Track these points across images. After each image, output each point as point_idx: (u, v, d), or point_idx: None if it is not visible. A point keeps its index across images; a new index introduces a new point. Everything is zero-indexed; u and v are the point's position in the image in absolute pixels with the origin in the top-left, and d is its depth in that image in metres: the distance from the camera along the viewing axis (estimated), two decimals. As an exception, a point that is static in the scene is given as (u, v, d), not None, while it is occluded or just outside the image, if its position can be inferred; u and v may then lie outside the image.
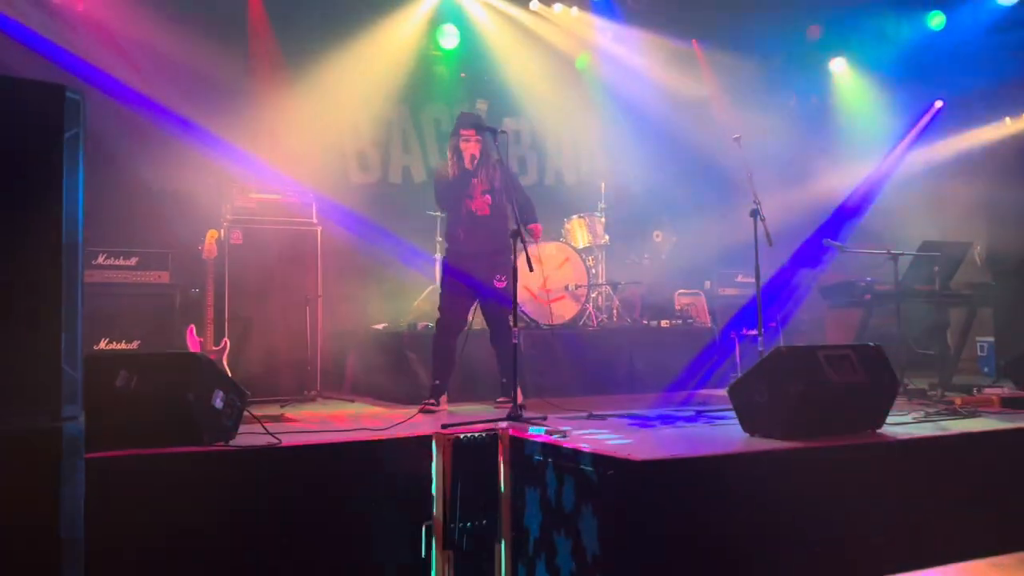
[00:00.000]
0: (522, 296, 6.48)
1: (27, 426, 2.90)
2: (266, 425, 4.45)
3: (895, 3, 9.08)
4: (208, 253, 6.19)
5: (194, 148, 6.76)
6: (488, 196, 5.85)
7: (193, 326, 6.13)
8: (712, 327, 7.91)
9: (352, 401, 6.55)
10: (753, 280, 8.47)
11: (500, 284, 5.84)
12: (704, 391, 7.03)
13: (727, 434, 4.36)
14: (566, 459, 3.99)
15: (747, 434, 4.33)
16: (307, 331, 6.64)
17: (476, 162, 5.84)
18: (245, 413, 4.40)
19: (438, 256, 7.46)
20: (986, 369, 8.28)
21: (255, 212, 6.62)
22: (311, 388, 6.61)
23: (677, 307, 8.24)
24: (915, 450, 4.12)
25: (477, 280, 5.88)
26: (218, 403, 4.19)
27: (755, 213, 5.48)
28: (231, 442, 4.18)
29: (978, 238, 7.32)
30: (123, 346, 6.23)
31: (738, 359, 7.78)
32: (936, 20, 9.09)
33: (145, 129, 6.68)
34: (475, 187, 5.85)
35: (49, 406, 2.95)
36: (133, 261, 6.43)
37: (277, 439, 4.21)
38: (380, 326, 7.25)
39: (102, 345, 6.14)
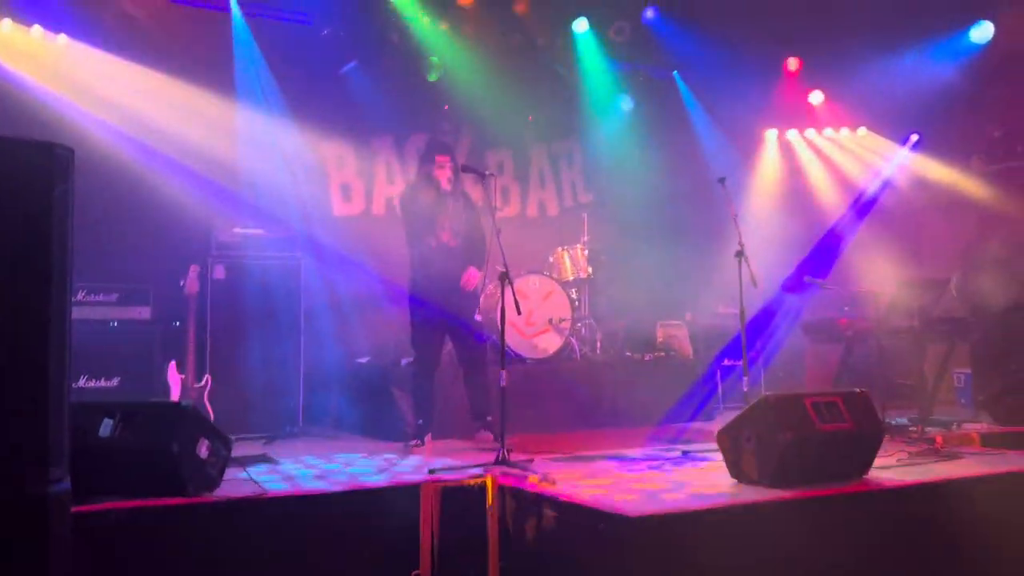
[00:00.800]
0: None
1: (13, 491, 2.85)
2: (250, 470, 4.42)
3: (872, 36, 9.20)
4: (190, 288, 6.15)
5: (177, 182, 6.70)
6: (459, 227, 5.81)
7: (175, 362, 6.07)
8: (694, 360, 7.94)
9: (336, 438, 6.49)
10: (735, 311, 8.64)
11: (479, 318, 5.81)
12: (689, 425, 7.05)
13: (715, 481, 4.36)
14: (556, 509, 3.98)
15: (735, 480, 4.34)
16: (290, 366, 6.60)
17: (451, 189, 5.77)
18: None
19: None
20: (963, 400, 8.36)
21: (238, 246, 6.58)
22: (294, 424, 6.55)
23: (659, 339, 8.26)
24: (903, 498, 4.15)
25: (450, 314, 5.83)
26: (203, 452, 4.13)
27: (740, 254, 5.50)
28: (216, 492, 4.13)
29: (954, 271, 7.40)
30: (103, 383, 6.14)
31: (720, 393, 7.84)
32: (911, 55, 9.22)
33: (126, 163, 6.62)
34: (447, 216, 5.78)
35: (36, 469, 2.91)
36: (114, 296, 6.36)
37: (263, 488, 4.16)
38: (363, 360, 7.20)
39: (82, 383, 6.06)
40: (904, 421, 6.65)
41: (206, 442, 4.16)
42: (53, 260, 2.93)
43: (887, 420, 6.05)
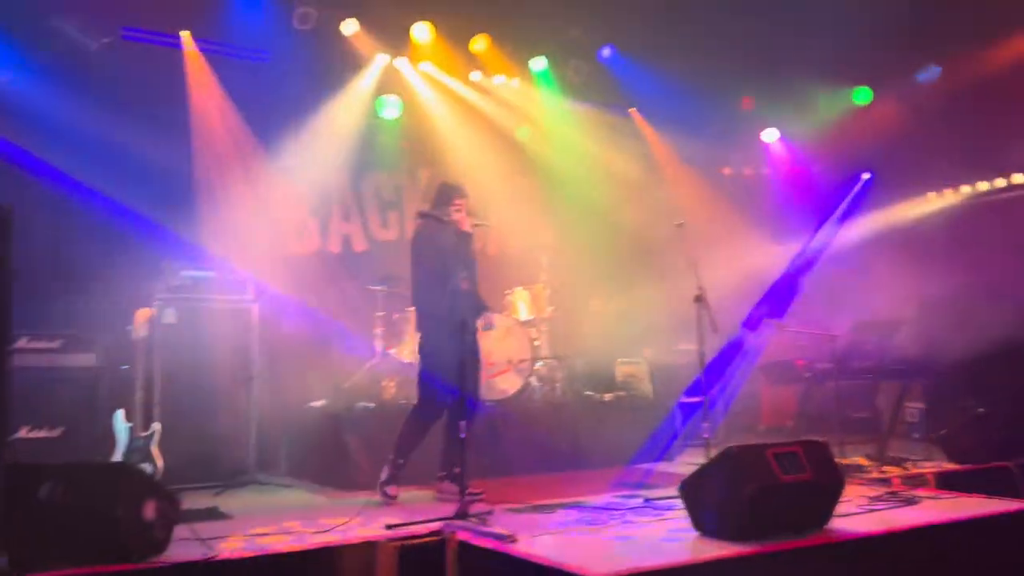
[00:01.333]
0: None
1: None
2: (200, 529, 4.26)
3: (823, 76, 9.38)
4: (138, 333, 5.96)
5: (125, 227, 6.52)
6: (473, 272, 5.75)
7: (122, 411, 5.86)
8: (654, 399, 7.92)
9: (289, 487, 6.33)
10: (692, 348, 8.67)
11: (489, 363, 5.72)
12: (651, 467, 7.00)
13: (678, 534, 4.31)
14: (518, 569, 3.89)
15: (698, 532, 4.29)
16: (242, 412, 6.43)
17: (469, 232, 5.74)
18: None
19: (378, 331, 7.31)
20: (916, 435, 8.47)
21: (189, 290, 6.43)
22: (245, 472, 6.37)
23: (619, 377, 8.23)
24: (866, 549, 4.14)
25: (465, 363, 5.48)
26: (149, 514, 3.96)
27: (699, 299, 5.50)
28: (164, 556, 3.96)
29: (908, 312, 7.52)
30: (46, 434, 5.90)
31: (680, 431, 7.82)
32: (863, 95, 9.42)
33: (72, 207, 6.43)
34: (462, 260, 5.69)
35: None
36: (57, 343, 6.12)
37: (212, 551, 4.00)
38: (317, 403, 7.04)
39: (23, 434, 5.80)
40: (860, 460, 6.70)
41: (153, 503, 3.99)
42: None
43: (844, 456, 6.09)
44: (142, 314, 6.00)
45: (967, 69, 8.42)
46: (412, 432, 5.68)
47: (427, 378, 5.69)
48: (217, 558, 3.95)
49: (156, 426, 5.91)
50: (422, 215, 5.58)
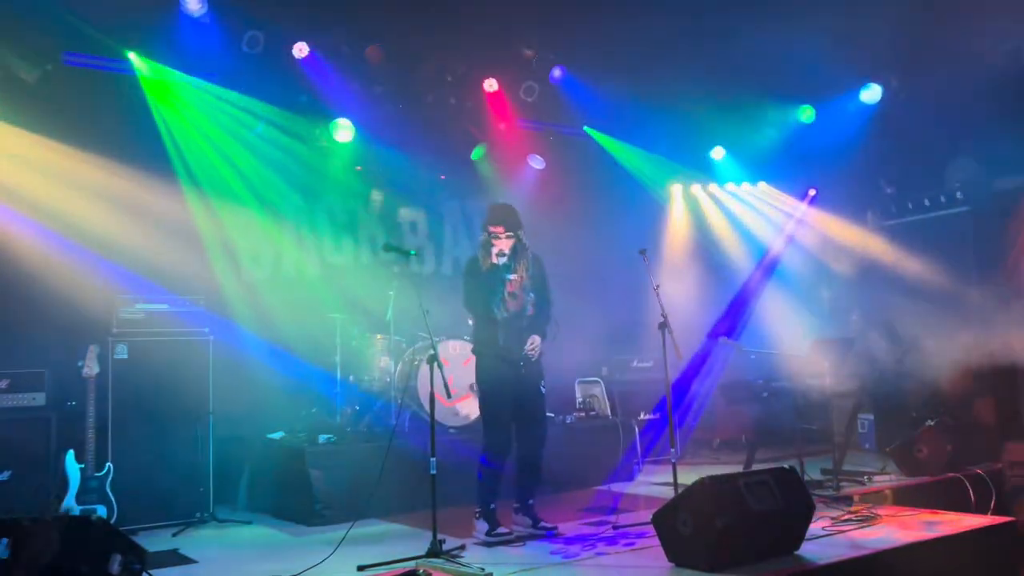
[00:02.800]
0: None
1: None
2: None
3: (769, 95, 9.57)
4: (89, 370, 5.77)
5: (73, 261, 6.31)
6: (521, 295, 5.45)
7: (72, 451, 5.67)
8: (614, 419, 7.97)
9: (249, 523, 6.19)
10: (648, 365, 8.77)
11: (544, 389, 5.56)
12: (612, 488, 7.04)
13: (653, 567, 4.34)
14: (497, 610, 3.86)
15: (672, 564, 4.33)
16: (198, 449, 6.28)
17: (505, 258, 5.40)
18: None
19: (338, 358, 7.19)
20: (867, 445, 8.69)
21: (142, 324, 6.26)
22: (204, 509, 6.22)
23: (579, 396, 8.26)
24: (837, 573, 4.22)
25: (518, 386, 5.42)
26: (115, 569, 3.84)
27: (663, 326, 5.54)
28: (130, 611, 3.83)
29: (854, 329, 7.72)
30: (-9, 478, 5.66)
31: (639, 449, 7.90)
32: (807, 113, 9.63)
33: (17, 243, 6.20)
34: (508, 282, 5.41)
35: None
36: (4, 383, 5.90)
37: (183, 605, 3.89)
38: (276, 435, 6.90)
39: (-33, 479, 5.57)
40: (818, 475, 6.84)
41: (119, 557, 3.88)
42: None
43: (801, 469, 6.19)
44: (93, 350, 5.82)
45: (909, 88, 8.67)
46: (492, 474, 5.39)
47: (485, 414, 5.54)
48: (187, 612, 3.85)
49: (109, 466, 5.74)
50: (406, 255, 5.45)
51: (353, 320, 7.37)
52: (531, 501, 5.46)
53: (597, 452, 7.46)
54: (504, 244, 5.44)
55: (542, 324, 5.57)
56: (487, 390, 5.48)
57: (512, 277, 5.42)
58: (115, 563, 3.84)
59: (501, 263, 5.40)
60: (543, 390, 5.59)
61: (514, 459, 5.50)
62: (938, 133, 8.56)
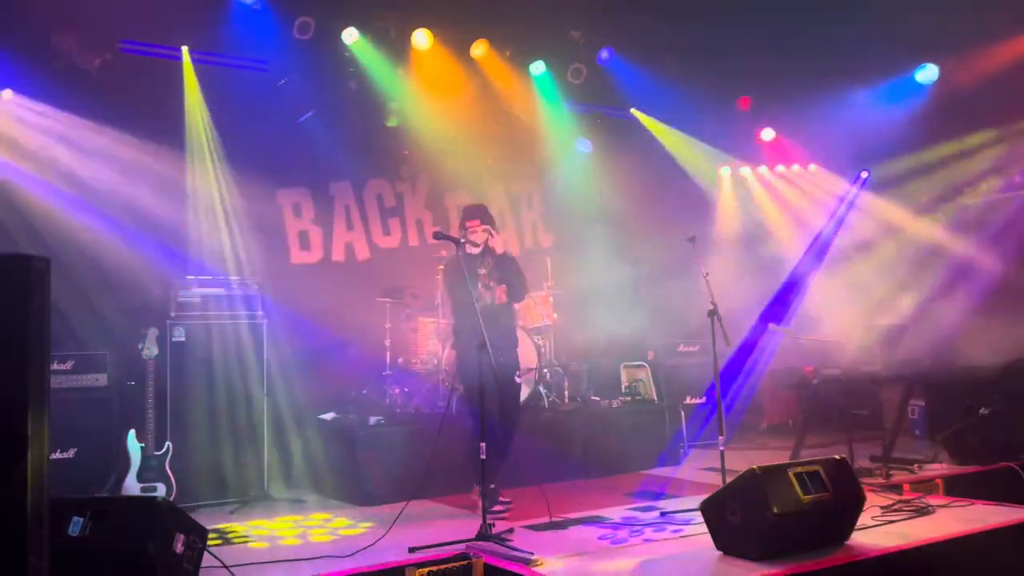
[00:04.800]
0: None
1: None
2: (225, 557, 4.27)
3: (822, 75, 9.40)
4: (149, 352, 5.95)
5: (133, 246, 6.50)
6: (494, 286, 5.85)
7: (133, 430, 5.86)
8: (660, 403, 7.98)
9: (302, 502, 6.34)
10: (694, 350, 8.74)
11: (519, 379, 5.86)
12: (660, 473, 7.06)
13: (702, 555, 4.37)
14: (547, 595, 3.93)
15: (720, 552, 4.35)
16: (253, 428, 6.44)
17: (480, 250, 5.81)
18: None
19: (387, 342, 7.32)
20: (918, 432, 8.58)
21: (199, 307, 6.42)
22: (259, 487, 6.39)
23: (624, 381, 8.28)
24: (887, 566, 4.21)
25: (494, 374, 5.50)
26: (178, 548, 3.98)
27: (713, 313, 5.53)
28: (194, 589, 3.98)
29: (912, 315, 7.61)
30: (59, 455, 5.87)
31: (685, 434, 7.90)
32: (862, 94, 9.44)
33: (81, 228, 6.39)
34: (483, 277, 5.81)
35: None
36: (68, 365, 6.11)
37: (243, 583, 4.03)
38: (328, 416, 7.04)
39: (36, 457, 5.77)
40: (867, 462, 6.79)
41: (181, 536, 4.01)
42: (30, 386, 2.78)
43: (850, 456, 6.15)
44: (152, 333, 5.99)
45: (966, 69, 8.45)
46: (474, 452, 5.49)
47: (468, 397, 5.84)
48: (247, 589, 3.98)
49: (169, 445, 5.92)
50: (456, 243, 5.59)
51: (401, 304, 7.47)
52: (493, 485, 5.63)
53: (643, 437, 7.48)
54: (479, 237, 5.83)
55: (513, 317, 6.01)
56: (471, 378, 5.62)
57: (482, 271, 5.82)
58: (178, 542, 3.97)
59: (475, 253, 5.81)
60: (518, 380, 5.98)
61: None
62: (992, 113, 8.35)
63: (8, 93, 6.50)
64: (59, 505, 4.08)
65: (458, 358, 5.91)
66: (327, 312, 7.48)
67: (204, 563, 4.14)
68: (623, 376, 8.35)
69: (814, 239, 9.51)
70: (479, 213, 5.99)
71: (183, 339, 6.30)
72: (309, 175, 8.02)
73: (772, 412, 8.98)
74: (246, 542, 5.08)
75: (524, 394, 7.22)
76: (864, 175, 9.63)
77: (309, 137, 7.84)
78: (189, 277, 6.48)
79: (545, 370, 7.64)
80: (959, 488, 6.06)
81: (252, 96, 7.51)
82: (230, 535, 5.25)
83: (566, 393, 7.77)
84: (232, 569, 4.15)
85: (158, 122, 6.97)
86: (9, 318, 2.80)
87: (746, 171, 10.14)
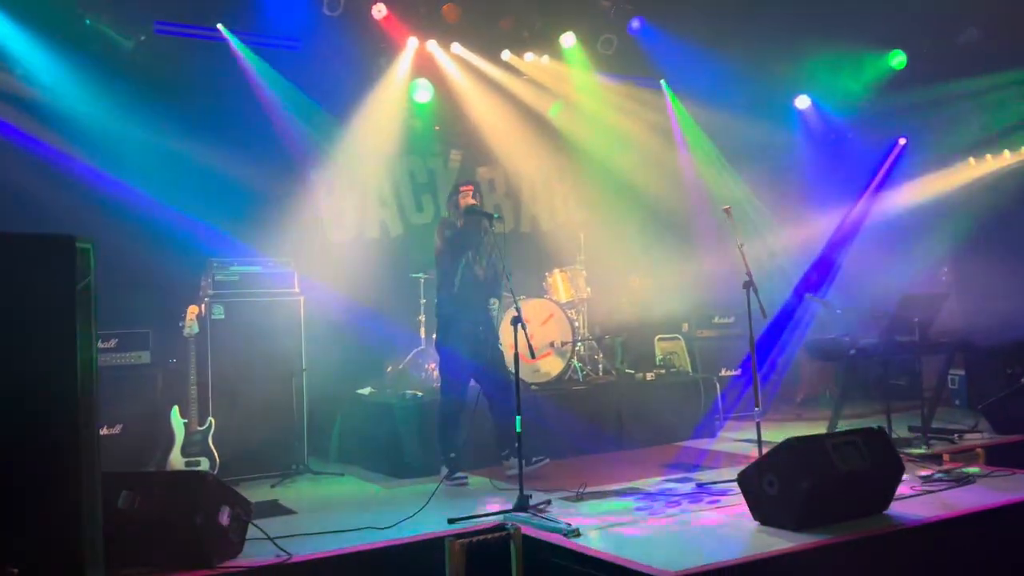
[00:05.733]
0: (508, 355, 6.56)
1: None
2: (268, 529, 4.37)
3: (857, 41, 9.22)
4: (189, 330, 6.05)
5: (171, 224, 6.60)
6: (484, 259, 5.97)
7: (177, 406, 5.98)
8: (695, 375, 7.97)
9: (342, 475, 6.44)
10: (729, 321, 8.70)
11: (501, 346, 5.93)
12: (696, 445, 7.08)
13: (739, 524, 4.38)
14: (586, 565, 3.98)
15: (758, 523, 4.36)
16: (292, 404, 6.54)
17: (474, 209, 5.88)
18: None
19: (422, 318, 7.38)
20: (958, 402, 8.50)
21: (237, 285, 6.50)
22: (299, 462, 6.50)
23: (659, 354, 8.28)
24: (927, 536, 4.20)
25: (479, 342, 5.90)
26: (224, 520, 4.08)
27: (748, 284, 5.50)
28: (239, 559, 4.08)
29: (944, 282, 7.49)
30: (105, 431, 6.01)
31: (720, 405, 7.89)
32: (897, 59, 9.25)
33: (120, 209, 6.50)
34: (474, 247, 5.92)
35: (74, 572, 2.85)
36: (112, 343, 6.25)
37: (288, 553, 4.12)
38: (364, 391, 7.14)
39: (83, 433, 5.94)
40: (906, 432, 6.74)
41: (227, 509, 4.11)
42: (80, 364, 2.86)
43: (888, 426, 6.12)
44: (192, 311, 6.09)
45: (1008, 32, 8.23)
46: (447, 421, 5.90)
47: (441, 364, 6.04)
48: (292, 560, 4.07)
49: (211, 420, 6.04)
50: (490, 219, 5.66)
51: (434, 279, 7.50)
52: (506, 451, 5.92)
53: (678, 409, 7.48)
54: (470, 200, 5.91)
55: (498, 289, 6.10)
56: (441, 351, 5.97)
57: (481, 232, 5.90)
58: (224, 515, 4.08)
59: (470, 218, 5.86)
60: (500, 347, 6.11)
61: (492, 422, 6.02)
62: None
63: (47, 75, 6.60)
64: (108, 479, 4.20)
65: (439, 333, 6.12)
66: (361, 289, 7.56)
67: (248, 535, 4.25)
68: (657, 349, 8.36)
69: (851, 208, 9.38)
70: (474, 180, 6.20)
71: (222, 317, 6.39)
72: (341, 153, 8.04)
73: (808, 384, 8.93)
74: (289, 514, 5.18)
75: (558, 368, 7.27)
76: (902, 142, 9.46)
77: (342, 114, 7.88)
78: (227, 257, 6.56)
79: (579, 344, 7.66)
80: (1001, 458, 5.99)
81: (285, 75, 7.56)
82: (273, 507, 5.35)
83: (600, 367, 7.79)
84: (276, 541, 4.23)
85: (195, 101, 7.03)
86: (58, 298, 2.88)
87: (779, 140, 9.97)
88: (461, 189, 6.03)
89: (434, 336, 6.38)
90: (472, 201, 5.89)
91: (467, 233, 5.91)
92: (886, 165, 9.44)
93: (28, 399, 2.81)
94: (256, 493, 5.68)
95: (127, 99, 6.71)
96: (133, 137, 6.68)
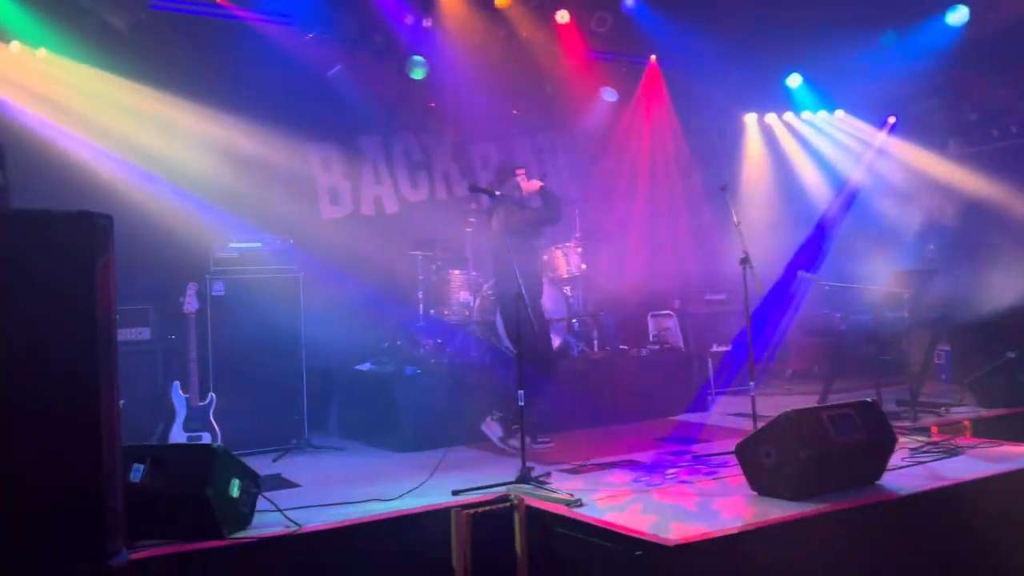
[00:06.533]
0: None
1: (76, 567, 2.86)
2: (277, 501, 4.46)
3: (849, 19, 9.27)
4: (190, 306, 6.10)
5: (166, 199, 6.61)
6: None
7: (178, 382, 6.04)
8: (687, 351, 8.09)
9: (342, 449, 6.53)
10: (721, 298, 8.81)
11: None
12: (690, 419, 7.21)
13: (736, 494, 4.51)
14: (588, 533, 4.08)
15: (755, 493, 4.48)
16: (292, 379, 6.60)
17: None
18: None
19: (420, 294, 7.44)
20: (944, 376, 8.65)
21: (236, 262, 6.54)
22: (300, 436, 6.57)
23: (652, 330, 8.39)
24: (919, 505, 4.33)
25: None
26: (235, 492, 4.16)
27: (745, 261, 5.59)
28: (250, 531, 4.16)
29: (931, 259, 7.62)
30: (107, 407, 6.06)
31: (713, 380, 8.03)
32: (889, 38, 9.30)
33: (117, 185, 6.51)
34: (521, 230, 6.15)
35: (94, 543, 2.92)
36: (113, 318, 6.27)
37: (297, 525, 4.20)
38: (364, 367, 7.21)
39: (86, 408, 5.98)
40: (893, 406, 6.88)
41: (237, 482, 4.19)
42: (99, 336, 2.92)
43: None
44: (192, 288, 6.13)
45: (998, 12, 8.31)
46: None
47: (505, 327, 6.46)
48: (302, 531, 4.15)
49: (212, 395, 6.10)
50: (491, 195, 5.73)
51: (433, 256, 7.57)
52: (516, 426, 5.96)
53: (672, 384, 7.61)
54: (531, 185, 6.17)
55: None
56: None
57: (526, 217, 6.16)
58: (234, 487, 4.15)
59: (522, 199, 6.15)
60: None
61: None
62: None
63: (42, 52, 6.57)
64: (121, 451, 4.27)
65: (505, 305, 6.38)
66: (359, 266, 7.60)
67: (258, 507, 4.33)
68: (651, 325, 8.46)
69: (841, 186, 9.49)
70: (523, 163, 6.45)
71: (222, 293, 6.43)
72: (337, 130, 8.08)
73: (798, 359, 9.08)
74: (294, 487, 5.26)
75: (554, 344, 7.35)
76: (892, 120, 9.56)
77: (336, 92, 7.89)
78: (226, 233, 6.59)
79: (574, 320, 7.75)
80: (986, 430, 6.15)
81: (278, 51, 7.53)
82: (278, 481, 5.43)
83: (595, 342, 7.88)
84: (285, 512, 4.32)
85: (190, 79, 7.02)
86: (78, 274, 2.93)
87: (772, 118, 10.07)
88: (518, 172, 6.28)
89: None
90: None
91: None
92: (876, 143, 9.53)
93: (51, 374, 2.86)
94: (258, 467, 5.64)
95: (124, 74, 6.69)
96: (133, 113, 6.66)
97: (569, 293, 7.77)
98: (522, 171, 6.25)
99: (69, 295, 2.90)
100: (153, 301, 6.50)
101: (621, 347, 8.01)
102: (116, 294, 3.06)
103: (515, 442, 5.63)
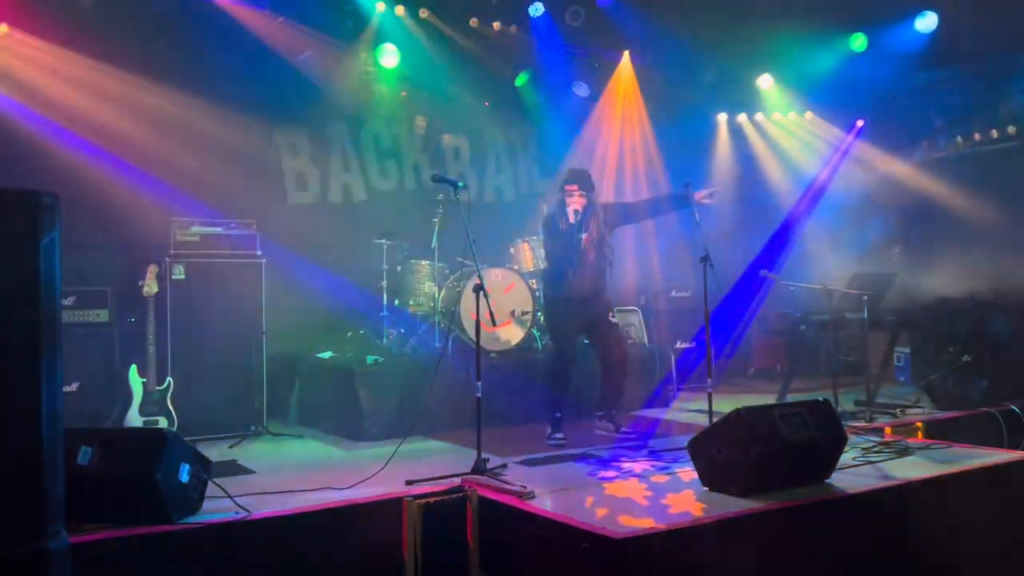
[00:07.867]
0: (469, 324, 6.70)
1: (11, 547, 2.83)
2: (228, 486, 4.42)
3: (819, 22, 9.35)
4: (149, 289, 6.03)
5: (132, 183, 6.53)
6: (592, 250, 6.19)
7: (135, 365, 5.98)
8: (651, 347, 8.14)
9: (300, 437, 6.50)
10: (687, 295, 8.86)
11: (613, 319, 6.50)
12: (648, 414, 7.25)
13: (688, 490, 4.54)
14: (538, 526, 4.10)
15: (707, 489, 4.52)
16: (252, 365, 6.56)
17: (579, 216, 6.10)
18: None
19: (385, 283, 7.40)
20: (902, 379, 8.77)
21: (198, 246, 6.47)
22: (258, 423, 6.53)
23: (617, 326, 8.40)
24: (868, 504, 4.39)
25: (588, 319, 6.35)
26: (184, 477, 4.12)
27: (705, 259, 5.62)
28: (199, 516, 4.13)
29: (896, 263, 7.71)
30: (63, 389, 5.98)
31: (675, 376, 8.08)
32: (858, 42, 9.40)
33: (78, 166, 6.41)
34: (582, 240, 6.13)
35: (31, 526, 2.88)
36: (70, 300, 6.20)
37: (247, 511, 4.17)
38: (324, 355, 7.17)
39: (39, 390, 5.90)
40: (851, 405, 6.97)
41: (187, 466, 4.15)
42: (41, 317, 2.87)
43: (835, 400, 6.35)
44: (152, 270, 6.07)
45: (967, 16, 8.42)
46: (556, 385, 6.30)
47: (551, 333, 6.61)
48: (251, 517, 4.13)
49: (169, 380, 6.04)
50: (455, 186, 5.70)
51: (399, 246, 7.54)
52: (613, 411, 6.44)
53: (634, 379, 7.55)
54: (577, 203, 6.10)
55: (606, 269, 6.40)
56: (557, 324, 6.43)
57: (584, 236, 6.11)
58: (184, 472, 4.12)
59: (575, 221, 6.09)
60: (613, 319, 6.57)
61: (599, 378, 6.60)
62: (993, 64, 8.35)
63: (4, 27, 6.46)
64: (68, 435, 4.18)
65: (549, 307, 6.73)
66: (324, 253, 7.58)
67: (208, 492, 4.30)
68: (615, 320, 8.47)
69: (807, 187, 9.58)
70: (578, 178, 6.22)
71: (182, 277, 6.36)
72: (306, 115, 8.02)
73: (760, 357, 9.17)
74: (248, 473, 5.23)
75: (518, 337, 7.37)
76: (860, 123, 9.66)
77: (306, 77, 7.83)
78: (187, 216, 6.52)
79: (539, 314, 7.74)
80: (940, 432, 6.26)
81: (249, 33, 7.46)
82: (232, 467, 5.39)
83: (559, 336, 7.88)
84: (235, 499, 4.29)
85: (155, 59, 6.93)
86: (21, 253, 2.88)
87: (742, 118, 10.14)
88: (566, 188, 6.19)
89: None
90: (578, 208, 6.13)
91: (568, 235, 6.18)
92: (844, 145, 9.63)
93: (-10, 353, 2.81)
94: (214, 453, 5.68)
95: (87, 52, 6.59)
96: (94, 92, 6.57)
97: (535, 286, 7.77)
98: (573, 187, 6.15)
99: (10, 273, 2.84)
100: (112, 283, 6.43)
101: (584, 341, 8.00)
102: (61, 274, 3.00)
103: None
